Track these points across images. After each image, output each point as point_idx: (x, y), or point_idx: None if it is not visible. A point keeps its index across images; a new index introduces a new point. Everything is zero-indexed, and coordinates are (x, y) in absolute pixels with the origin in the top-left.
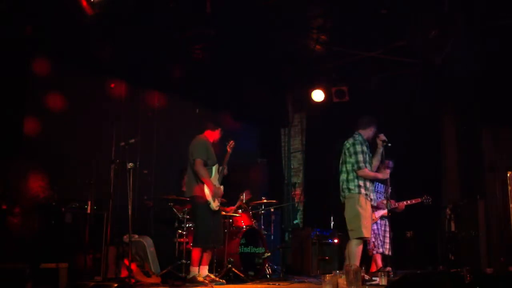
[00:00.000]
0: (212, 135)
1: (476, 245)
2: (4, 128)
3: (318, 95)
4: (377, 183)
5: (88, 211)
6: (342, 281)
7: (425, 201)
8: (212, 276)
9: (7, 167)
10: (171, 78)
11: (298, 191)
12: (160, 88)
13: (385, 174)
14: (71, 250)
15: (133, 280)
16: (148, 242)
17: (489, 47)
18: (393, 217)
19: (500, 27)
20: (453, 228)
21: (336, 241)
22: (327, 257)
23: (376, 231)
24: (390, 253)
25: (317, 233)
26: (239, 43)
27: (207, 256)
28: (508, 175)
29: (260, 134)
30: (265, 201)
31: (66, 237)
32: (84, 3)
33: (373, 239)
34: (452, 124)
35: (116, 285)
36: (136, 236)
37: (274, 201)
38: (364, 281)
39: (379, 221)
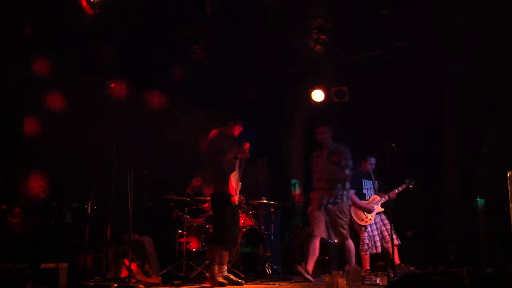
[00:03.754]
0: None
1: (476, 245)
2: (4, 128)
3: (318, 95)
4: (364, 179)
5: (88, 211)
6: (342, 281)
7: (410, 184)
8: (232, 276)
9: (7, 167)
10: (171, 78)
11: (298, 191)
12: (160, 88)
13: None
14: (71, 250)
15: (133, 280)
16: (148, 242)
17: (490, 46)
18: (393, 217)
19: (500, 27)
20: (453, 228)
21: (336, 241)
22: (327, 257)
23: (370, 232)
24: (398, 242)
25: None
26: (239, 43)
27: (226, 256)
28: (508, 175)
29: (260, 134)
30: (265, 201)
31: (66, 237)
32: (84, 3)
33: (367, 241)
34: (453, 123)
35: (116, 285)
36: (136, 236)
37: (274, 202)
38: (364, 281)
39: (372, 221)
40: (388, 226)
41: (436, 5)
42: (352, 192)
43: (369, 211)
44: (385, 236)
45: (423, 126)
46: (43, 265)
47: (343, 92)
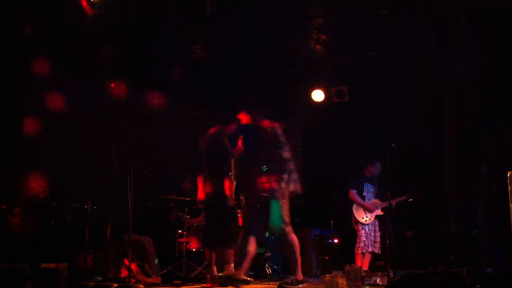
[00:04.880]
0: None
1: (476, 245)
2: (4, 128)
3: (318, 95)
4: (366, 183)
5: (88, 211)
6: (342, 281)
7: (409, 199)
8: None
9: (7, 167)
10: (171, 78)
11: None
12: (160, 88)
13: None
14: (71, 250)
15: (133, 280)
16: (148, 242)
17: (490, 46)
18: (393, 217)
19: (500, 27)
20: (453, 228)
21: (336, 241)
22: (327, 257)
23: (367, 231)
24: (379, 251)
25: (317, 233)
26: (239, 43)
27: (231, 254)
28: (508, 175)
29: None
30: None
31: (66, 237)
32: (84, 3)
33: (364, 238)
34: (453, 123)
35: (116, 285)
36: (136, 236)
37: None
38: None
39: (372, 221)
40: (378, 234)
41: (436, 5)
42: (354, 191)
43: (370, 211)
44: (376, 241)
45: (423, 126)
46: (43, 265)
47: (343, 92)
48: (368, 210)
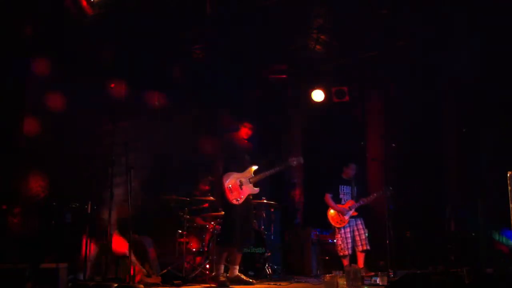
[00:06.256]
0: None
1: (476, 245)
2: (4, 128)
3: (318, 95)
4: (342, 185)
5: (88, 211)
6: (342, 281)
7: (387, 192)
8: (243, 276)
9: (7, 167)
10: (171, 78)
11: (298, 191)
12: (160, 88)
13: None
14: (71, 250)
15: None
16: (148, 242)
17: (490, 46)
18: (393, 217)
19: (500, 27)
20: (453, 228)
21: (336, 241)
22: (327, 257)
23: (343, 234)
24: (368, 247)
25: (317, 233)
26: (239, 43)
27: (238, 256)
28: (508, 175)
29: (260, 134)
30: (265, 201)
31: (66, 237)
32: (84, 3)
33: (339, 242)
34: (453, 123)
35: (116, 285)
36: (136, 236)
37: (274, 202)
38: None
39: (346, 225)
40: (362, 231)
41: (436, 5)
42: (329, 195)
43: (343, 213)
44: (357, 240)
45: (423, 126)
46: (43, 265)
47: (343, 92)
48: (340, 213)
